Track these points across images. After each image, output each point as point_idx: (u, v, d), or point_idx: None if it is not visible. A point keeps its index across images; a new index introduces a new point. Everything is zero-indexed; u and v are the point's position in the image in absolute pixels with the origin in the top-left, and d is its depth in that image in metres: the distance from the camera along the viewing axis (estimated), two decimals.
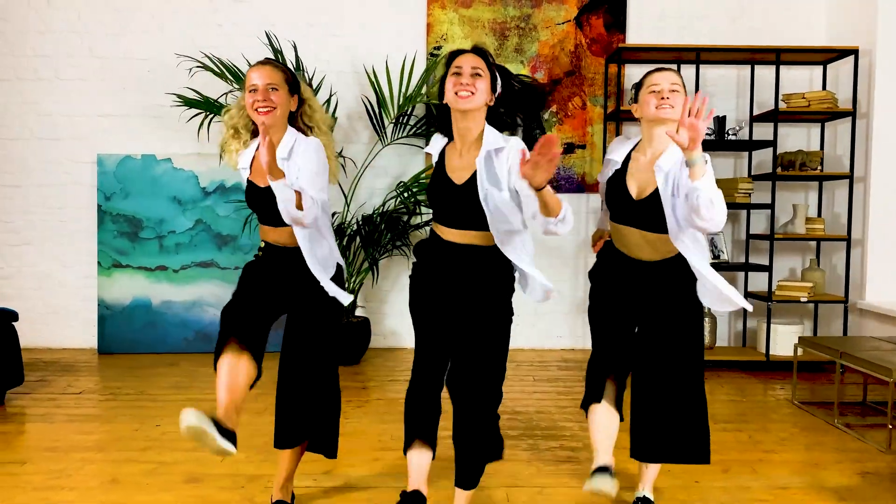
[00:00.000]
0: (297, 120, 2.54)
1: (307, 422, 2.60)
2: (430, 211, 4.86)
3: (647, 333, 2.57)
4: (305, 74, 4.82)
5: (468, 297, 2.37)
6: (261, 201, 2.50)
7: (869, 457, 3.31)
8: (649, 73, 2.49)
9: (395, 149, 5.32)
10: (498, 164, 2.30)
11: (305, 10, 5.36)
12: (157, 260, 5.38)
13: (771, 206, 4.86)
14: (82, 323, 5.46)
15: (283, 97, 2.43)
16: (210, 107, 4.75)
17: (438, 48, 5.39)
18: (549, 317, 5.52)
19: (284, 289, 2.55)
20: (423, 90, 5.14)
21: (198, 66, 4.78)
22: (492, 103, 2.35)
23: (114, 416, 3.84)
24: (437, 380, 2.45)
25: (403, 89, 5.04)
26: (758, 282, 5.35)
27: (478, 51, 2.36)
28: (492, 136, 2.31)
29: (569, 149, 5.46)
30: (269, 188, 2.35)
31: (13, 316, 4.07)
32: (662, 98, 2.39)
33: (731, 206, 4.89)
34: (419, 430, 2.45)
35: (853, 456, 3.31)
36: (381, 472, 3.07)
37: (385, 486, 2.90)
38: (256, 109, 2.38)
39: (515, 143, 2.29)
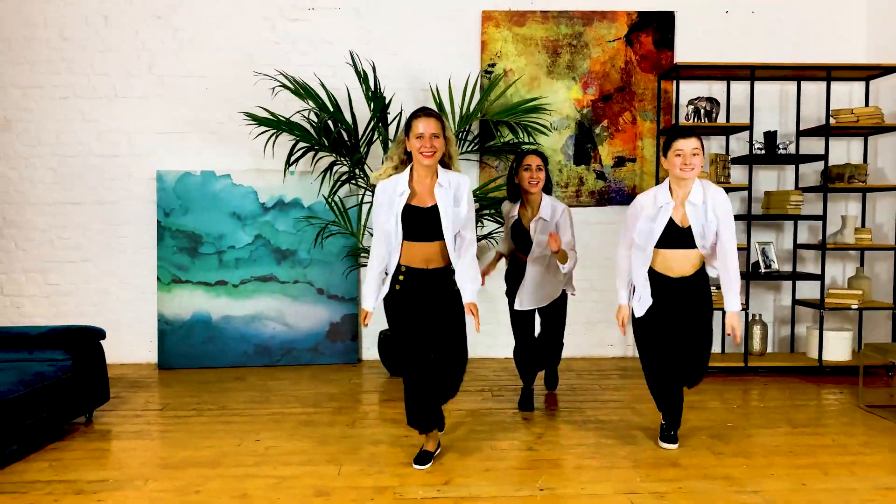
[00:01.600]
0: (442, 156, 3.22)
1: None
2: (486, 224, 5.03)
3: (691, 328, 3.51)
4: (383, 94, 4.91)
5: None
6: (421, 220, 3.16)
7: None
8: (676, 138, 3.34)
9: None
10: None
11: (361, 27, 5.45)
12: (217, 275, 5.42)
13: (823, 218, 5.05)
14: (142, 338, 5.48)
15: (441, 143, 3.13)
16: (279, 124, 4.82)
17: (493, 65, 5.52)
18: (601, 326, 5.65)
19: (433, 303, 3.23)
20: (477, 106, 5.25)
21: (279, 86, 4.86)
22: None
23: (209, 431, 3.88)
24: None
25: (465, 107, 5.15)
26: (805, 290, 5.54)
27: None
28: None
29: (619, 162, 5.61)
30: (432, 208, 3.15)
31: (101, 334, 4.09)
32: (685, 163, 3.31)
33: (782, 217, 5.09)
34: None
35: None
36: (494, 482, 3.16)
37: (504, 496, 3.00)
38: (422, 153, 3.08)
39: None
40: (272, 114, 4.90)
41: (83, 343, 3.93)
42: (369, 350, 5.59)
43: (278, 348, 5.46)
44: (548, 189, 4.09)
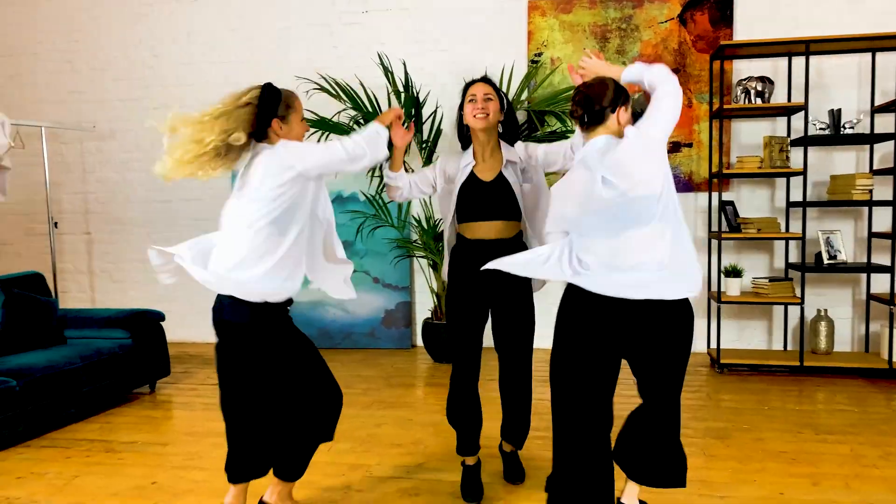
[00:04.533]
0: None
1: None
2: None
3: None
4: (413, 90, 5.11)
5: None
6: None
7: None
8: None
9: None
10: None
11: (413, 27, 5.67)
12: None
13: (893, 203, 4.57)
14: None
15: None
16: (325, 125, 5.17)
17: (539, 55, 5.51)
18: None
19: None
20: (524, 97, 5.28)
21: (315, 89, 5.20)
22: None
23: None
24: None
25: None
26: (881, 283, 5.04)
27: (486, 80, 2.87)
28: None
29: (674, 148, 5.40)
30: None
31: (160, 316, 4.68)
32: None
33: (846, 203, 4.67)
34: (465, 433, 2.95)
35: None
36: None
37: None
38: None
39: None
40: (319, 116, 5.25)
41: (143, 324, 4.52)
42: (418, 338, 5.84)
43: (338, 332, 5.87)
44: (511, 136, 2.93)
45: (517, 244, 2.87)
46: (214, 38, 5.97)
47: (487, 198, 2.83)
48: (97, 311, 4.59)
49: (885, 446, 3.48)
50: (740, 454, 3.40)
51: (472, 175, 2.86)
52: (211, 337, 6.35)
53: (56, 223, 5.86)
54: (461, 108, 2.89)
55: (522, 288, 2.88)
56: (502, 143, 2.92)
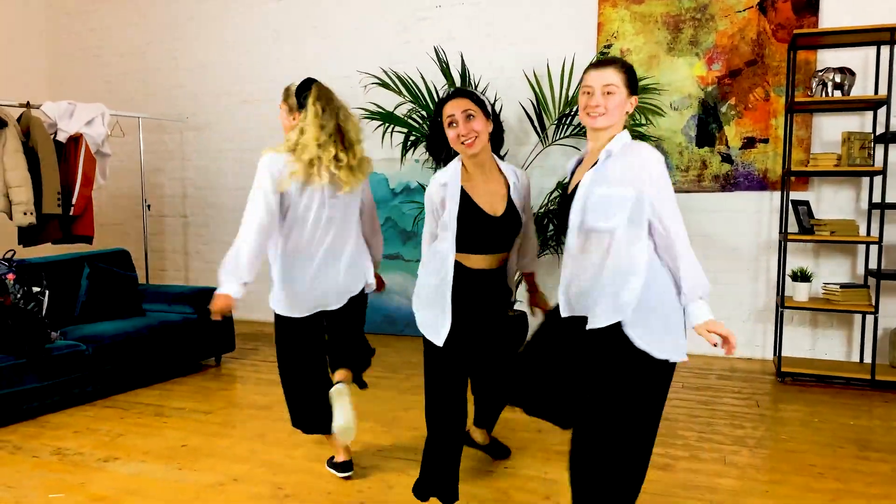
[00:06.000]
0: None
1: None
2: None
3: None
4: (472, 84, 5.16)
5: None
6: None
7: None
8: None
9: (559, 149, 5.45)
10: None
11: (482, 21, 5.71)
12: None
13: None
14: None
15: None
16: (389, 118, 5.32)
17: (609, 46, 5.38)
18: (726, 323, 5.16)
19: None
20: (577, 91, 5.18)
21: (374, 83, 5.38)
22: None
23: None
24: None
25: (564, 91, 5.15)
26: None
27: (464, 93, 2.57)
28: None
29: (748, 143, 5.10)
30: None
31: None
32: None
33: None
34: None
35: None
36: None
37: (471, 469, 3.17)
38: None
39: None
40: (383, 109, 5.42)
41: (207, 300, 4.87)
42: None
43: (402, 319, 6.04)
44: (497, 144, 2.67)
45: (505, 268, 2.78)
46: (297, 36, 6.30)
47: (498, 233, 2.61)
48: (170, 287, 5.02)
49: None
50: (763, 464, 3.22)
51: (470, 202, 2.55)
52: None
53: (149, 205, 6.41)
54: (434, 123, 2.63)
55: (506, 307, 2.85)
56: (497, 159, 2.68)
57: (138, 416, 3.90)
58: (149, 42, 6.87)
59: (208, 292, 4.91)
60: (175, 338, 4.62)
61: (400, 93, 5.24)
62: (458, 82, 5.25)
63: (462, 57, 5.33)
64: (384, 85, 5.26)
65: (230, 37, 6.55)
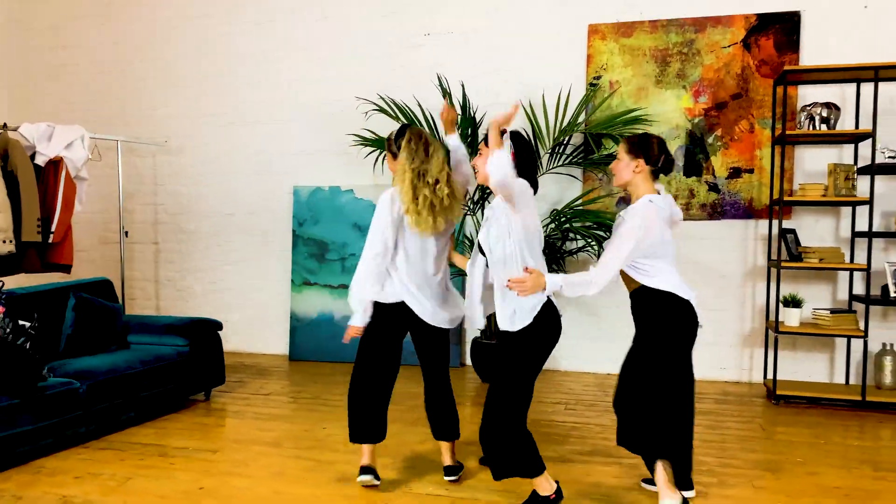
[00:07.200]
0: None
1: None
2: (584, 237, 5.00)
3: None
4: (470, 111, 5.18)
5: None
6: None
7: None
8: None
9: (553, 177, 5.51)
10: None
11: (474, 50, 5.75)
12: (340, 279, 6.04)
13: None
14: (277, 333, 6.28)
15: None
16: (382, 144, 5.28)
17: (598, 78, 5.50)
18: (714, 348, 5.35)
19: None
20: (581, 119, 5.28)
21: (374, 109, 5.33)
22: None
23: (292, 416, 4.43)
24: None
25: (560, 120, 5.23)
26: None
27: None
28: None
29: (734, 173, 5.29)
30: None
31: (218, 326, 4.85)
32: None
33: None
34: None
35: None
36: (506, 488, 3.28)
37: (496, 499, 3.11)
38: None
39: None
40: (377, 135, 5.37)
41: (201, 332, 4.69)
42: (467, 357, 5.85)
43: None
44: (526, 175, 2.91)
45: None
46: (284, 58, 6.19)
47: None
48: (159, 319, 4.79)
49: None
50: (791, 488, 3.29)
51: None
52: (267, 348, 6.54)
53: (126, 232, 6.15)
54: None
55: None
56: None
57: (140, 458, 3.68)
58: (129, 61, 6.61)
59: (201, 324, 4.72)
60: (169, 372, 4.41)
61: (398, 119, 5.21)
62: (458, 110, 5.25)
63: (463, 86, 5.33)
64: (382, 111, 5.22)
65: (209, 57, 6.38)
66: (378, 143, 5.31)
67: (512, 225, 2.73)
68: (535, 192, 2.85)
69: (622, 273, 3.01)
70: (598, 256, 4.36)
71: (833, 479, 3.41)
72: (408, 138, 3.12)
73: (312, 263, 6.11)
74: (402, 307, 3.14)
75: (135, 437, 4.03)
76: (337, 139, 6.03)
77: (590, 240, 5.10)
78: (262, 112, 6.24)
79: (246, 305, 6.35)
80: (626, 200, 5.51)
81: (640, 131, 5.15)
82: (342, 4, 6.04)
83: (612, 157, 5.14)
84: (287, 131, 6.20)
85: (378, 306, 3.15)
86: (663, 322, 2.94)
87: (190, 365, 4.57)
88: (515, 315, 2.78)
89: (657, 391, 2.94)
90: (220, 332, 4.88)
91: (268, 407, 4.66)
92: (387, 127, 5.50)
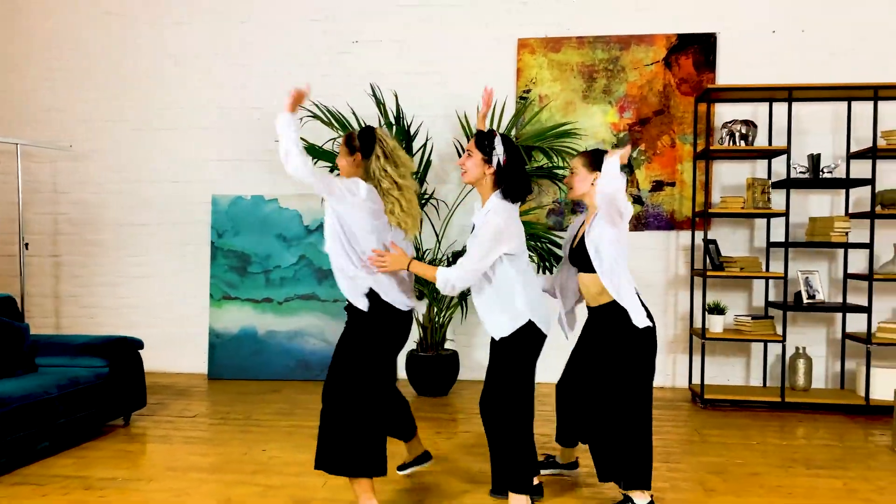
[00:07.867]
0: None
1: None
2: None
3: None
4: (404, 122, 5.12)
5: None
6: None
7: None
8: None
9: None
10: None
11: (406, 59, 5.68)
12: (264, 293, 5.78)
13: (870, 246, 4.74)
14: (195, 350, 5.92)
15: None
16: (314, 152, 5.11)
17: (528, 92, 5.59)
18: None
19: None
20: (513, 133, 5.34)
21: (308, 116, 5.15)
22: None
23: (225, 439, 4.17)
24: None
25: None
26: (857, 323, 5.19)
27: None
28: None
29: (657, 187, 5.51)
30: None
31: (139, 344, 4.50)
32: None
33: (825, 245, 4.82)
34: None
35: None
36: None
37: None
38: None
39: None
40: (308, 143, 5.19)
41: (121, 352, 4.34)
42: (402, 370, 5.74)
43: (318, 363, 5.73)
44: (507, 186, 2.92)
45: None
46: (204, 61, 5.88)
47: None
48: (72, 338, 4.40)
49: (876, 480, 3.54)
50: (739, 489, 3.42)
51: None
52: (184, 367, 6.18)
53: (27, 244, 5.62)
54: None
55: None
56: (493, 198, 2.96)
57: (64, 492, 3.33)
58: (26, 56, 6.06)
59: (121, 342, 4.37)
60: (88, 397, 4.04)
61: (332, 126, 5.06)
62: (391, 120, 5.17)
63: (396, 96, 5.25)
64: (316, 118, 5.06)
65: (121, 57, 5.96)
66: (310, 151, 5.13)
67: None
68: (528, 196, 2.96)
69: (590, 285, 3.15)
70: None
71: (773, 478, 3.58)
72: (393, 145, 3.03)
73: (233, 276, 5.82)
74: (410, 315, 3.06)
75: (53, 468, 3.65)
76: (261, 146, 5.79)
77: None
78: (179, 117, 5.89)
79: (160, 322, 5.95)
80: (555, 212, 5.62)
81: (571, 144, 5.30)
82: (266, 7, 5.82)
83: (543, 169, 5.24)
84: (206, 137, 5.89)
85: (394, 313, 2.96)
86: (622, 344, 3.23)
87: (110, 388, 4.22)
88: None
89: (634, 417, 3.06)
90: (140, 351, 4.53)
91: (197, 430, 4.37)
92: (318, 134, 5.34)
